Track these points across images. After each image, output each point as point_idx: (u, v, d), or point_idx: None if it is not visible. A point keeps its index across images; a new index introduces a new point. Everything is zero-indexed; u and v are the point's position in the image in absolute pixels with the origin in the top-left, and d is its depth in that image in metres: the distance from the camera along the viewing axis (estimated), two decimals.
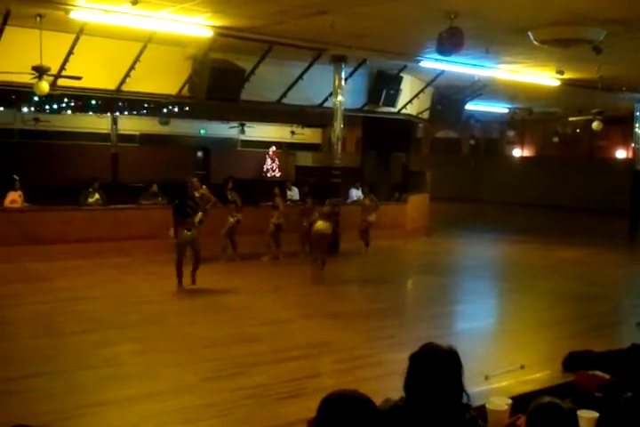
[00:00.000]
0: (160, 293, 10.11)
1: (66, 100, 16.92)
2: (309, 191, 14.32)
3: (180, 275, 10.27)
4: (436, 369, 2.45)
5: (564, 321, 8.88)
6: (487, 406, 2.98)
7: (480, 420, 2.61)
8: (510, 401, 3.07)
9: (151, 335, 7.74)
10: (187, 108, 16.26)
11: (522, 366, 4.99)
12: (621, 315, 9.76)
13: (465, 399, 2.50)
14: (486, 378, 4.54)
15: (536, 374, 3.85)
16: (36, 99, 16.23)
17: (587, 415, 2.91)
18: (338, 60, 14.12)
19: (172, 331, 7.98)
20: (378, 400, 2.46)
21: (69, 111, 20.21)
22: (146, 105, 17.33)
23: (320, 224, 11.35)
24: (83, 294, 9.80)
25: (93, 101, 16.52)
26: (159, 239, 13.04)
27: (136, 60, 12.65)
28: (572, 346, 4.15)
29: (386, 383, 5.26)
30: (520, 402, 3.03)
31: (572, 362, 3.76)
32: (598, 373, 3.48)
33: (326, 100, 15.43)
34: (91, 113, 21.40)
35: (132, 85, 13.15)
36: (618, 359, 3.57)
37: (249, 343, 7.40)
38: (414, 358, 2.52)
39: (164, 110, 18.40)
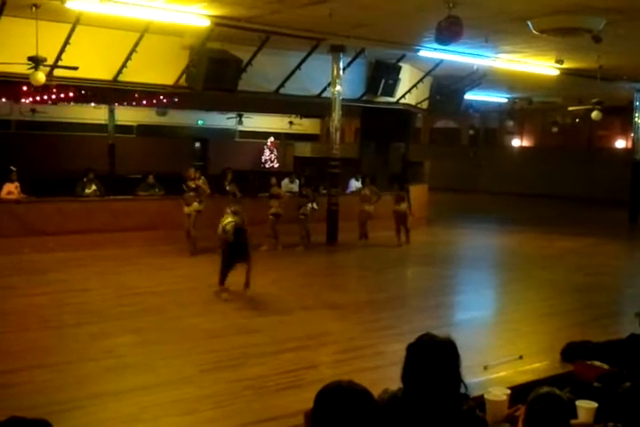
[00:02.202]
0: (158, 284, 10.10)
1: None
2: (306, 182, 14.32)
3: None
4: (434, 359, 2.44)
5: (562, 311, 8.88)
6: (486, 396, 2.97)
7: (478, 410, 2.60)
8: (509, 391, 3.06)
9: (150, 327, 7.72)
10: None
11: (520, 357, 4.98)
12: (620, 305, 9.76)
13: (463, 390, 2.48)
14: (485, 368, 4.53)
15: (535, 365, 3.84)
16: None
17: (585, 405, 2.90)
18: (336, 50, 14.04)
19: (171, 322, 7.96)
20: (376, 391, 2.44)
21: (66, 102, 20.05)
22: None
23: (400, 205, 14.32)
24: (80, 286, 9.78)
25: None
26: (156, 230, 13.08)
27: (133, 50, 12.60)
28: (571, 336, 4.15)
29: (385, 374, 5.25)
30: (519, 392, 3.02)
31: (571, 352, 3.76)
32: (597, 363, 3.47)
33: (324, 90, 15.37)
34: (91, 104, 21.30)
35: (129, 76, 13.09)
36: (616, 350, 3.55)
37: (248, 335, 7.39)
38: (411, 349, 2.51)
39: (162, 100, 18.23)
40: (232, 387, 5.69)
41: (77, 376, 5.97)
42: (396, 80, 16.42)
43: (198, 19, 11.33)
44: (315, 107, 17.87)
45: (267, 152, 31.09)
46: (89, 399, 5.36)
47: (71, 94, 16.33)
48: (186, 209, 12.40)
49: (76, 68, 11.87)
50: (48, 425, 1.95)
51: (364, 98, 16.73)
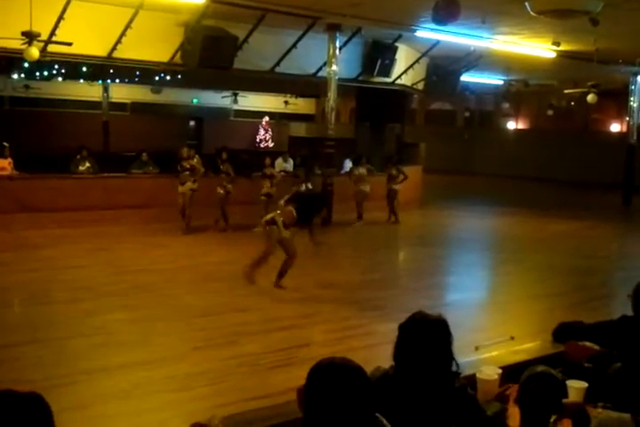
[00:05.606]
0: (151, 262, 10.10)
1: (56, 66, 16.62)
2: (301, 163, 14.29)
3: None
4: (425, 337, 2.45)
5: (555, 293, 8.91)
6: (477, 375, 2.99)
7: (470, 389, 2.62)
8: (500, 371, 3.09)
9: (143, 304, 7.73)
10: (179, 76, 15.98)
11: (512, 337, 5.01)
12: (613, 287, 9.80)
13: (455, 368, 2.49)
14: (476, 348, 4.55)
15: (526, 345, 3.87)
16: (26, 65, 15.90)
17: (576, 385, 2.92)
18: (332, 29, 13.93)
19: (164, 300, 7.98)
20: (369, 369, 2.45)
21: (60, 78, 19.87)
22: (138, 73, 17.04)
23: (392, 184, 14.87)
24: (73, 263, 9.77)
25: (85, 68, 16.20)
26: (150, 208, 13.07)
27: (127, 26, 12.44)
28: (563, 318, 4.16)
29: (377, 353, 5.27)
30: (510, 372, 3.04)
31: (562, 333, 3.78)
32: (588, 344, 3.49)
33: (320, 69, 15.26)
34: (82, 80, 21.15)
35: (124, 52, 12.94)
36: (607, 331, 3.58)
37: (240, 313, 7.41)
38: (404, 327, 2.52)
39: (157, 78, 18.08)
40: (225, 364, 5.71)
41: (69, 352, 5.98)
42: (393, 60, 16.31)
43: None
44: (310, 86, 17.76)
45: (261, 132, 30.95)
46: (81, 375, 5.38)
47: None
48: (180, 188, 12.37)
49: (69, 44, 11.73)
50: (40, 399, 1.95)
51: (360, 78, 16.62)
